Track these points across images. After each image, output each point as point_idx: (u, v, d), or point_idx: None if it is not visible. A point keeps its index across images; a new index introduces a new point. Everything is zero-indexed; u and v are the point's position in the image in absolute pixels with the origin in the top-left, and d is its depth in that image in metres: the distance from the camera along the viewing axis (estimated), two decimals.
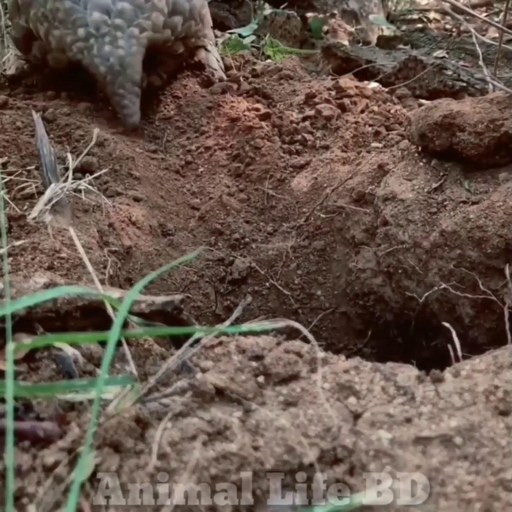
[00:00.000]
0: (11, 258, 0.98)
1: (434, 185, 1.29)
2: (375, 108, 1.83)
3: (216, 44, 2.31)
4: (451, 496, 0.52)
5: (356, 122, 1.75)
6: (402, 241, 1.28)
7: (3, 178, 1.32)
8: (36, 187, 1.29)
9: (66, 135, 1.66)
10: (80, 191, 1.28)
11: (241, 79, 2.06)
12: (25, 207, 1.24)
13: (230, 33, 2.74)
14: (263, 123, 1.76)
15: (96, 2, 1.71)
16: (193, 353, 0.67)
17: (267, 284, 1.49)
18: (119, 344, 0.67)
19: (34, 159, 1.42)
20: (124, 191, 1.55)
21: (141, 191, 1.58)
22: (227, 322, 0.68)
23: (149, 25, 1.75)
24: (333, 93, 1.88)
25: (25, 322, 0.67)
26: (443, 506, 0.51)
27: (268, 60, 2.47)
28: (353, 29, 2.90)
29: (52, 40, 1.75)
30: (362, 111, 1.82)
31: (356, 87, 1.91)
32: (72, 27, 1.70)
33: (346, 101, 1.84)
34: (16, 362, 0.64)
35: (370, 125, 1.75)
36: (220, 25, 2.90)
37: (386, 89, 2.03)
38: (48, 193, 1.18)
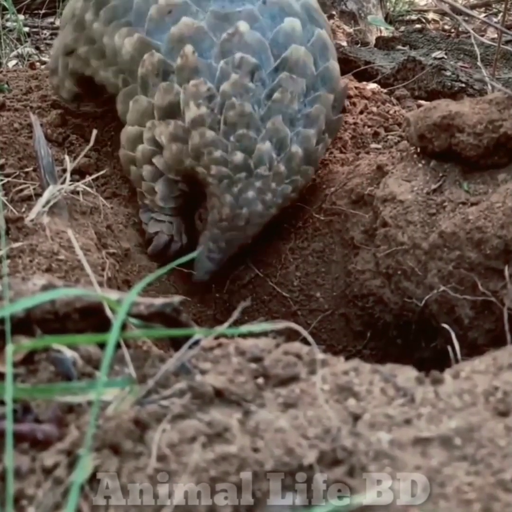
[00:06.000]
0: (9, 260, 0.98)
1: (433, 186, 1.29)
2: (374, 109, 1.83)
3: None
4: (451, 497, 0.52)
5: (355, 123, 1.75)
6: (401, 242, 1.28)
7: (0, 180, 1.32)
8: (34, 189, 1.29)
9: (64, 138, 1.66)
10: (78, 193, 1.28)
11: None
12: (23, 209, 1.24)
13: None
14: None
15: (273, 128, 1.29)
16: (192, 355, 0.67)
17: (266, 285, 1.49)
18: (117, 346, 0.67)
19: (32, 161, 1.42)
20: (122, 193, 1.55)
21: None
22: (226, 324, 0.68)
23: (302, 183, 1.40)
24: None
25: (23, 324, 0.67)
26: (442, 507, 0.51)
27: None
28: (351, 30, 2.90)
29: (174, 147, 1.34)
30: (361, 112, 1.82)
31: (356, 88, 1.91)
32: (233, 131, 1.28)
33: (345, 102, 1.84)
34: (15, 364, 0.64)
35: (369, 126, 1.75)
36: None
37: (385, 90, 2.03)
38: (46, 195, 1.18)
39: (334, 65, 1.41)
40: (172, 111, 1.33)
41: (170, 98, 1.33)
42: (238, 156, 1.28)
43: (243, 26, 1.30)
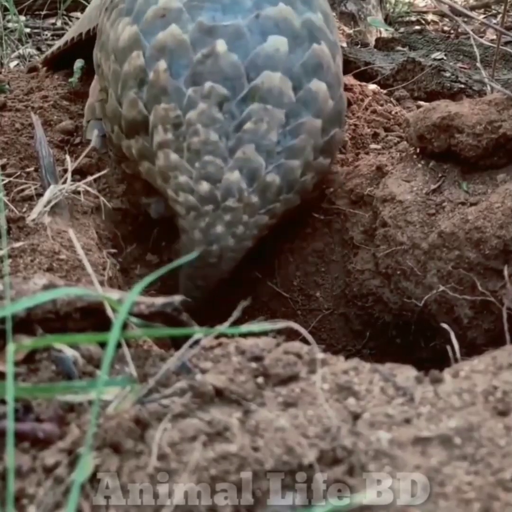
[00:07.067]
0: (10, 260, 0.99)
1: (433, 187, 1.29)
2: (374, 110, 1.83)
3: None
4: (451, 496, 0.52)
5: (354, 124, 1.76)
6: (400, 242, 1.28)
7: (2, 180, 1.32)
8: (35, 189, 1.29)
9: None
10: (79, 192, 1.28)
11: None
12: (24, 209, 1.24)
13: None
14: None
15: (244, 158, 1.17)
16: (192, 354, 0.67)
17: (266, 285, 1.49)
18: (118, 345, 0.67)
19: (33, 161, 1.42)
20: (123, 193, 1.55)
21: None
22: (226, 324, 0.68)
23: (281, 209, 1.26)
24: None
25: (24, 324, 0.67)
26: (442, 506, 0.51)
27: None
28: (351, 31, 2.90)
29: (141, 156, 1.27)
30: (361, 113, 1.82)
31: (359, 85, 1.91)
32: (197, 158, 1.18)
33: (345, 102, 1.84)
34: (16, 363, 0.64)
35: (368, 127, 1.75)
36: None
37: (385, 91, 2.03)
38: (47, 195, 1.19)
39: (319, 85, 1.25)
40: (135, 127, 1.27)
41: (134, 114, 1.26)
42: (204, 186, 1.17)
43: (220, 45, 1.20)
